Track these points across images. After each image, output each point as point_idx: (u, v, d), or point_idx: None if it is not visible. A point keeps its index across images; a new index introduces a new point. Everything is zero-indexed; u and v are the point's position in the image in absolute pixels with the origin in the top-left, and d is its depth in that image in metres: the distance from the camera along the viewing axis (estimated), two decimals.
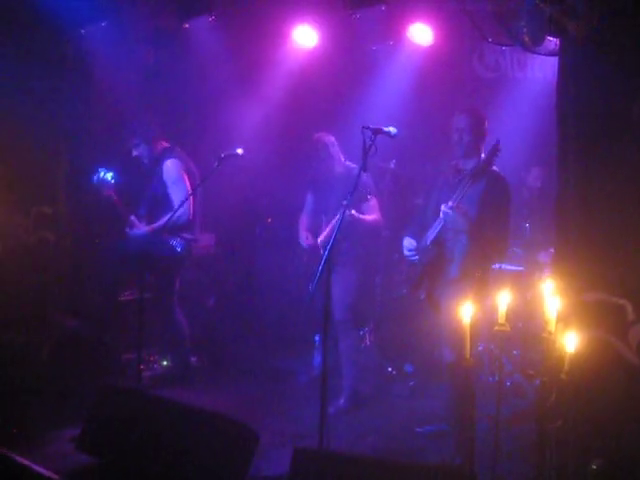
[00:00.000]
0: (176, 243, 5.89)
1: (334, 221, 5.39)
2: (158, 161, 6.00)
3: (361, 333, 6.13)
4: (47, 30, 6.30)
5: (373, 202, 5.69)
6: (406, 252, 5.03)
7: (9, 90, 6.16)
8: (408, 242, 5.02)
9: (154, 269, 5.74)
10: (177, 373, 6.11)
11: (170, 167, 5.94)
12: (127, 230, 5.99)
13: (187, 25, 6.57)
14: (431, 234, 4.80)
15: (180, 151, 6.09)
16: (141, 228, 5.96)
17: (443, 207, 4.65)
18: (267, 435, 4.48)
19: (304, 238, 5.83)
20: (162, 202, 5.93)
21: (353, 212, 5.32)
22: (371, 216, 5.63)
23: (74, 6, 6.15)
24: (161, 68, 6.95)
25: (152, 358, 6.35)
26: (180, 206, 5.62)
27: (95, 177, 5.99)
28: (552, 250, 5.31)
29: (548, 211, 5.07)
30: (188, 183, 5.91)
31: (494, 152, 4.64)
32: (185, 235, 5.95)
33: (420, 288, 4.93)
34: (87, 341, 5.86)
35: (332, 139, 5.76)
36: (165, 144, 6.09)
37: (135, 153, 6.06)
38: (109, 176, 6.00)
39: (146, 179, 6.13)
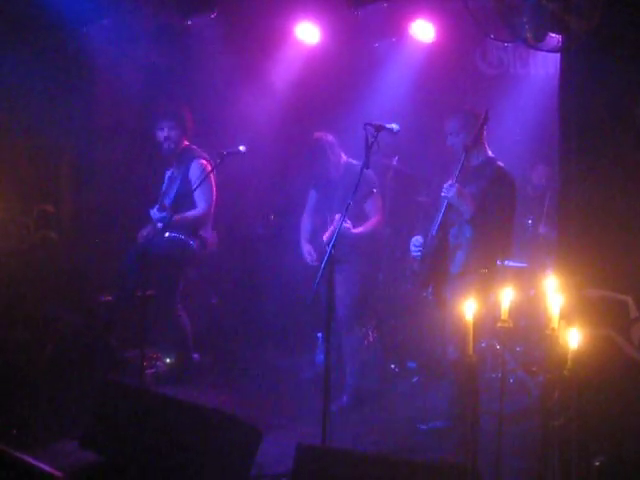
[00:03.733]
0: (193, 242, 5.91)
1: (337, 219, 5.37)
2: (182, 158, 6.00)
3: (364, 330, 6.12)
4: (48, 28, 6.31)
5: (377, 199, 5.67)
6: (412, 248, 5.04)
7: (10, 89, 6.17)
8: (415, 239, 5.05)
9: (163, 266, 5.71)
10: (180, 371, 6.11)
11: (197, 167, 5.93)
12: (150, 210, 5.88)
13: (189, 22, 6.58)
14: (436, 223, 4.82)
15: (203, 152, 6.07)
16: (165, 213, 5.74)
17: (444, 186, 4.71)
18: (270, 432, 4.48)
19: (307, 255, 5.79)
20: (186, 200, 5.89)
21: (349, 225, 5.30)
22: (370, 222, 5.59)
23: (75, 4, 6.16)
24: (163, 66, 6.94)
25: (155, 356, 6.34)
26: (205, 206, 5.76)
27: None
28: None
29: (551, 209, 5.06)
30: (214, 187, 5.95)
31: (483, 123, 4.71)
32: (202, 234, 5.97)
33: (427, 285, 4.93)
34: (90, 339, 5.87)
35: (331, 139, 5.71)
36: (186, 143, 6.08)
37: (165, 134, 5.96)
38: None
39: (165, 167, 6.14)
